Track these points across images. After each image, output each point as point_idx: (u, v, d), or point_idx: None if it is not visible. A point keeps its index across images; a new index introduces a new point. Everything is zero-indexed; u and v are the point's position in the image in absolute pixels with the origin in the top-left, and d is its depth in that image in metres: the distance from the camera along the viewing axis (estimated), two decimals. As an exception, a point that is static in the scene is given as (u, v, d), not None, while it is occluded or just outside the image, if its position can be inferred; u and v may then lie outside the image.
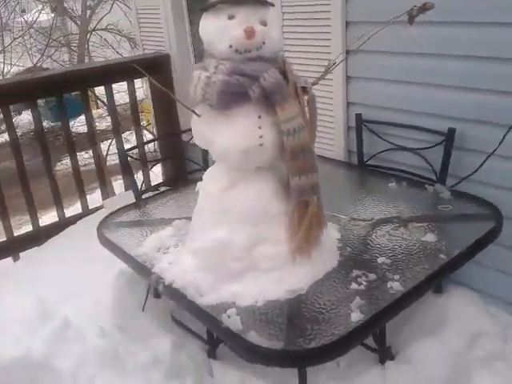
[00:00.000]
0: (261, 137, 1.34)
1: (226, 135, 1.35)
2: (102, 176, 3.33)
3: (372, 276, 1.46)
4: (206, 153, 2.56)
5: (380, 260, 1.54)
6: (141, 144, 3.06)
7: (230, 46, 1.30)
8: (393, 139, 2.25)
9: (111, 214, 2.06)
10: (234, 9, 1.31)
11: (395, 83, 2.17)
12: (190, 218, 1.90)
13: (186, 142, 2.56)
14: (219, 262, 1.44)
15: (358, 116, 2.30)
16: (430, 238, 1.62)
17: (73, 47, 7.91)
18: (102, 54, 7.62)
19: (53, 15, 8.49)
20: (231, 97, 1.31)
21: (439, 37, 1.94)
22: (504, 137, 1.82)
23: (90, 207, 3.13)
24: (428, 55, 2.02)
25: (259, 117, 1.34)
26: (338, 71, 2.25)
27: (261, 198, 1.44)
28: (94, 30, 7.79)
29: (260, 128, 1.34)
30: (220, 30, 1.31)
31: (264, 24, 1.31)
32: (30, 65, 8.08)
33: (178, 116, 3.57)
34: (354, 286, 1.43)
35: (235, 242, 1.42)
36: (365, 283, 1.44)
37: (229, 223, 1.43)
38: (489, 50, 1.84)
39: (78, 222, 3.12)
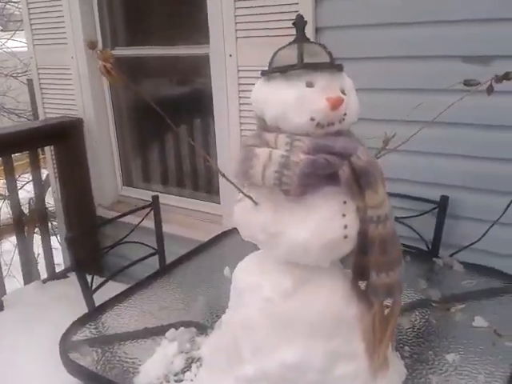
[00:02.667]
0: (345, 227, 1.07)
1: (303, 226, 1.05)
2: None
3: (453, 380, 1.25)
4: (161, 236, 2.18)
5: (449, 358, 1.33)
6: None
7: (312, 119, 1.03)
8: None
9: (68, 330, 1.55)
10: (311, 75, 1.04)
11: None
12: (184, 324, 1.51)
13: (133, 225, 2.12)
14: (292, 394, 1.10)
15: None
16: (480, 322, 1.47)
17: None
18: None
19: None
20: (315, 180, 1.03)
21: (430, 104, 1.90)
22: (509, 205, 1.79)
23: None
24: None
25: (344, 202, 1.07)
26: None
27: (333, 302, 1.14)
28: None
29: (344, 216, 1.07)
30: (298, 100, 1.02)
31: (343, 92, 1.07)
32: None
33: (92, 190, 3.10)
34: (444, 396, 1.20)
35: (311, 363, 1.09)
36: (453, 391, 1.22)
37: (299, 339, 1.10)
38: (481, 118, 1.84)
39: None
